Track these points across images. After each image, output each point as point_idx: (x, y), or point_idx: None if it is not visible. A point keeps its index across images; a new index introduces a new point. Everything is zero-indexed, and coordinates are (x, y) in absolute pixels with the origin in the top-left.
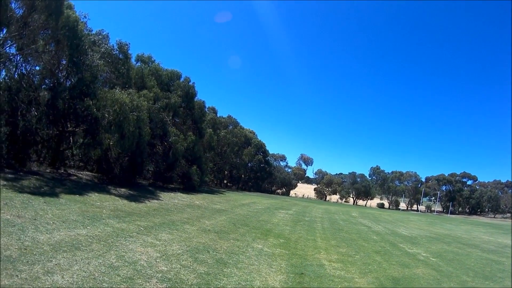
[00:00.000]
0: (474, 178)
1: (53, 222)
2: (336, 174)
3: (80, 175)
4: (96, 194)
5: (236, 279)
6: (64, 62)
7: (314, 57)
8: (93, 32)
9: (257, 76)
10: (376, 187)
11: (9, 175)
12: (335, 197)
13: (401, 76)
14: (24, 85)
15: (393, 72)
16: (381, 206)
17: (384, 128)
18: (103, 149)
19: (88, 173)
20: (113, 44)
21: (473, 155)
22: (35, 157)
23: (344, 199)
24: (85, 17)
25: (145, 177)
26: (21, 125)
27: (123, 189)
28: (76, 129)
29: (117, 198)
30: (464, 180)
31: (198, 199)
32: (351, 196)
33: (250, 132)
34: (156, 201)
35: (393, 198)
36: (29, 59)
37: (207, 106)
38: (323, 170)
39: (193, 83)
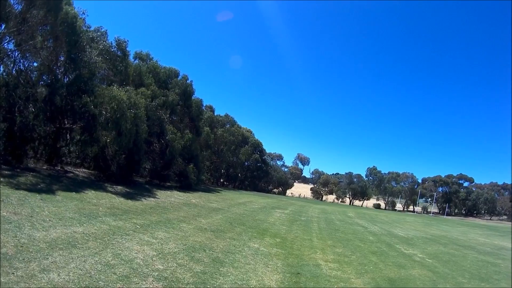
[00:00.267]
0: (470, 180)
1: (49, 219)
2: (333, 174)
3: (77, 172)
4: (93, 191)
5: (232, 278)
6: (62, 58)
7: (313, 57)
8: (92, 29)
9: (255, 75)
10: (372, 188)
11: (6, 172)
12: (331, 197)
13: (398, 77)
14: (22, 81)
15: (391, 72)
16: (377, 206)
17: (381, 128)
18: (100, 146)
19: (85, 170)
20: (111, 41)
21: (470, 157)
22: (32, 153)
23: (340, 199)
24: (83, 13)
25: (142, 175)
26: (18, 121)
27: (119, 187)
28: (73, 126)
29: (113, 195)
30: (460, 181)
31: (194, 197)
32: (348, 196)
33: (247, 131)
34: (152, 199)
35: (389, 199)
36: (27, 55)
37: (204, 105)
38: (320, 170)
39: (191, 81)
